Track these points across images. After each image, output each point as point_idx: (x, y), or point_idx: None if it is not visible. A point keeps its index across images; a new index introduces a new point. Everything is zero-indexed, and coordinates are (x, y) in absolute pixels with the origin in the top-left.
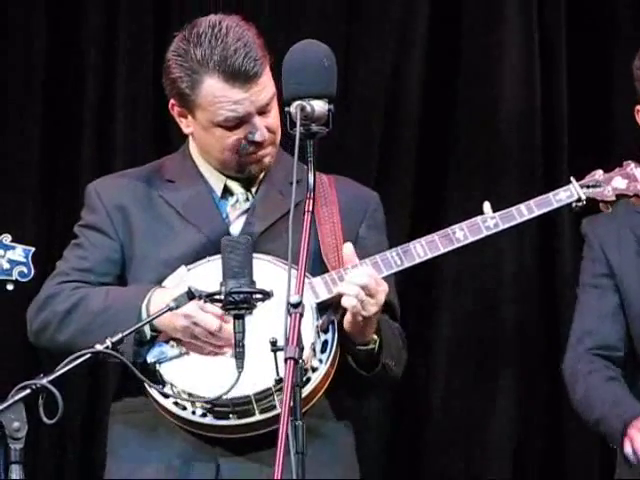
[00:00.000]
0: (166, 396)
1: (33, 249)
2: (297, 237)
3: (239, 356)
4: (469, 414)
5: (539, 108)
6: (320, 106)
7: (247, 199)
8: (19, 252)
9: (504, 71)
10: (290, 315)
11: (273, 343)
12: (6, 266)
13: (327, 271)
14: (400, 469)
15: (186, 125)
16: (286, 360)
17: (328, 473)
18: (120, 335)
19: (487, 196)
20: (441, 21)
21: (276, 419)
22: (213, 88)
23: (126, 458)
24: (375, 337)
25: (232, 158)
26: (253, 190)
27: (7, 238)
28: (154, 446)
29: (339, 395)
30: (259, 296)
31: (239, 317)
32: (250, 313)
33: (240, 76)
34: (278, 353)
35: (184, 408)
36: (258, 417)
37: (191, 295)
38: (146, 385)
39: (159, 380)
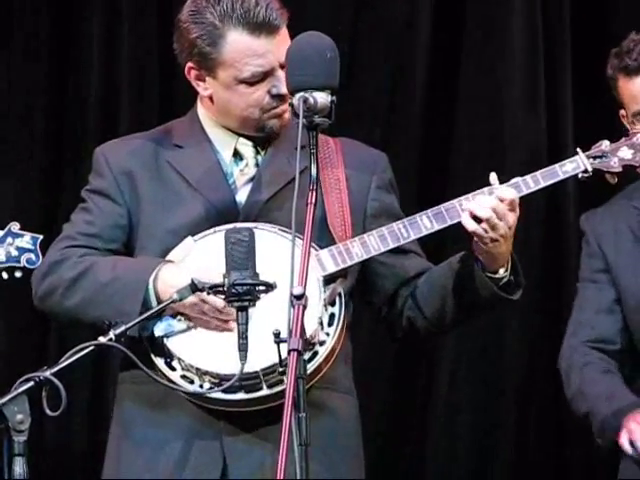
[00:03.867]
0: (173, 369)
1: (41, 237)
2: (302, 206)
3: (242, 348)
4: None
5: (543, 88)
6: (323, 98)
7: (256, 164)
8: (27, 240)
9: (508, 55)
10: (293, 307)
11: (276, 335)
12: (14, 253)
13: (333, 240)
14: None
15: (204, 88)
16: (289, 352)
17: (331, 446)
18: (123, 327)
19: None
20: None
21: (283, 394)
22: (237, 42)
23: (137, 440)
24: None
25: (255, 114)
26: (263, 153)
27: (15, 226)
28: (163, 423)
29: (345, 367)
30: (262, 288)
31: (242, 309)
32: (253, 305)
33: (264, 27)
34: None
35: (191, 382)
36: (266, 392)
37: (194, 287)
38: (148, 369)
39: (167, 354)
